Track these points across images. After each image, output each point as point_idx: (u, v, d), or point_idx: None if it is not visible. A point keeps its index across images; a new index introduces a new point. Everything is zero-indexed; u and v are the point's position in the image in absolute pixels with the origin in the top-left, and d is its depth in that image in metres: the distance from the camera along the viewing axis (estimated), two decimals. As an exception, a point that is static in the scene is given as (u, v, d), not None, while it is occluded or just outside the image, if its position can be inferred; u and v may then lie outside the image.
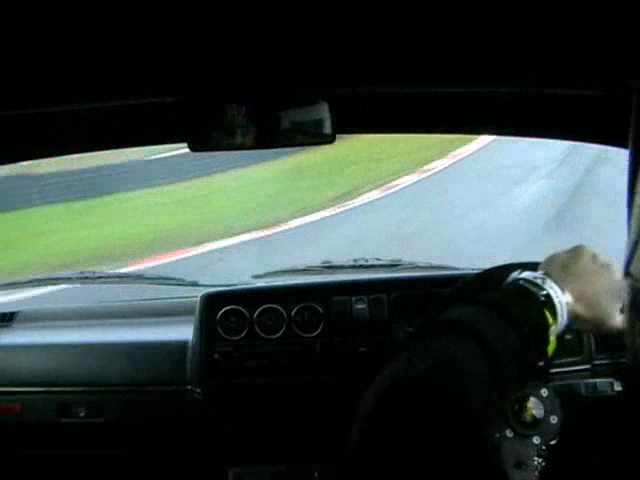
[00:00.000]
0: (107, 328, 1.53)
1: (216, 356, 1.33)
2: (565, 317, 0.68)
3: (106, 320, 1.57)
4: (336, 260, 1.71)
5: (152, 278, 1.86)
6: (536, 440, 0.87)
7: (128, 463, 1.45)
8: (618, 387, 0.95)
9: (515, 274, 0.71)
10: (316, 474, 1.40)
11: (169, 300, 1.73)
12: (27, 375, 1.40)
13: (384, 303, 1.34)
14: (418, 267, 1.64)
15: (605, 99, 0.86)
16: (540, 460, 0.86)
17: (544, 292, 0.67)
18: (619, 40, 0.70)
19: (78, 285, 1.78)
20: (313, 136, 0.90)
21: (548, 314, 0.66)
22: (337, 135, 0.90)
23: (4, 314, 1.59)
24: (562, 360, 1.24)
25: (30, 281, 1.67)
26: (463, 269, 1.62)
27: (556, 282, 0.69)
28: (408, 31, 0.75)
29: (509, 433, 0.87)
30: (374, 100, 1.03)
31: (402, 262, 1.67)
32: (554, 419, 0.88)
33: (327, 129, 0.89)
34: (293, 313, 1.36)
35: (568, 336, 1.26)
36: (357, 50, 0.81)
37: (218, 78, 0.83)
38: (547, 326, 0.66)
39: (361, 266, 1.68)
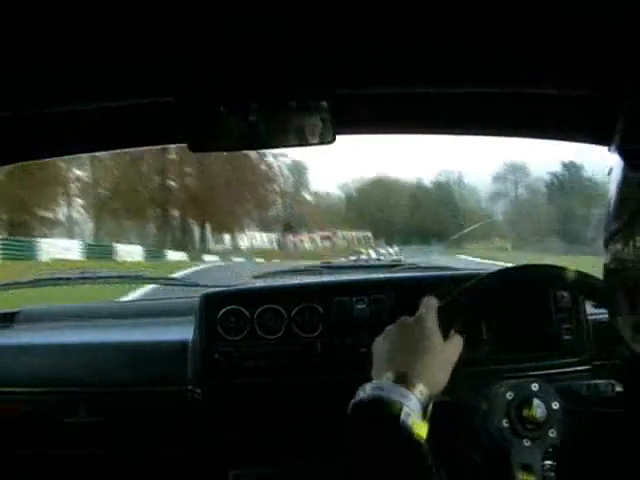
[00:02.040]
0: (107, 328, 1.53)
1: (216, 356, 1.33)
2: (410, 398, 0.70)
3: (106, 320, 1.57)
4: (336, 260, 1.71)
5: (152, 278, 1.86)
6: (526, 443, 0.87)
7: (128, 463, 1.45)
8: (619, 388, 0.95)
9: (362, 392, 0.74)
10: (316, 474, 1.39)
11: (169, 300, 1.73)
12: (28, 375, 1.40)
13: (384, 303, 1.34)
14: (418, 267, 1.64)
15: (604, 100, 0.86)
16: (551, 462, 0.86)
17: (372, 399, 0.71)
18: (617, 41, 0.70)
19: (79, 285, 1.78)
20: (314, 137, 0.90)
21: (392, 408, 0.69)
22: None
23: (5, 314, 1.59)
24: (562, 360, 1.24)
25: (31, 281, 1.67)
26: (463, 269, 1.62)
27: (390, 371, 0.74)
28: (408, 31, 0.75)
29: (505, 423, 0.87)
30: (374, 100, 1.03)
31: (402, 262, 1.67)
32: (552, 433, 0.88)
33: (327, 130, 0.89)
34: (293, 313, 1.35)
35: (568, 337, 1.26)
36: (357, 50, 0.80)
37: (218, 78, 0.83)
38: (397, 423, 0.68)
39: (361, 266, 1.69)
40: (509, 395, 0.89)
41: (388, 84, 0.94)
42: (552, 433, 0.87)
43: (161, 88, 0.91)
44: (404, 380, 0.72)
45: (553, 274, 0.87)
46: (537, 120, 1.06)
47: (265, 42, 0.75)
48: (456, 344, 0.82)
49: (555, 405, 0.89)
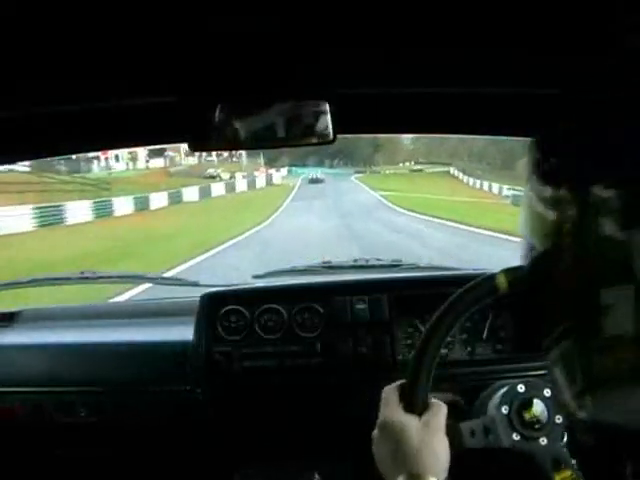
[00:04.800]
0: (107, 328, 1.53)
1: (216, 356, 1.33)
2: None
3: (106, 320, 1.57)
4: (336, 260, 1.71)
5: (152, 278, 1.86)
6: (543, 441, 0.86)
7: (128, 463, 1.45)
8: None
9: None
10: (316, 474, 1.40)
11: (169, 300, 1.73)
12: (28, 375, 1.40)
13: (384, 303, 1.34)
14: (418, 267, 1.64)
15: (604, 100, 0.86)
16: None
17: None
18: (618, 40, 0.70)
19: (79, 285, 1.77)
20: (314, 136, 0.90)
21: None
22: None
23: (5, 314, 1.59)
24: None
25: (30, 281, 1.67)
26: (464, 269, 1.62)
27: None
28: (408, 31, 0.75)
29: (515, 437, 0.87)
30: (374, 100, 1.03)
31: (402, 262, 1.67)
32: (559, 419, 0.87)
33: (328, 129, 0.89)
34: (293, 313, 1.36)
35: None
36: (358, 50, 0.80)
37: (218, 78, 0.83)
38: None
39: (361, 266, 1.69)
40: (504, 410, 0.89)
41: (388, 84, 0.94)
42: (559, 419, 0.87)
43: (161, 88, 0.91)
44: None
45: (488, 287, 0.84)
46: (538, 121, 1.06)
47: (266, 43, 0.75)
48: (436, 411, 0.79)
49: (547, 392, 0.89)
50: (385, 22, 0.72)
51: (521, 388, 0.90)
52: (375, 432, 0.80)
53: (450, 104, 1.03)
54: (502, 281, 0.81)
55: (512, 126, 1.10)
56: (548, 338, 0.48)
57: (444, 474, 0.74)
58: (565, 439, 0.87)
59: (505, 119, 1.08)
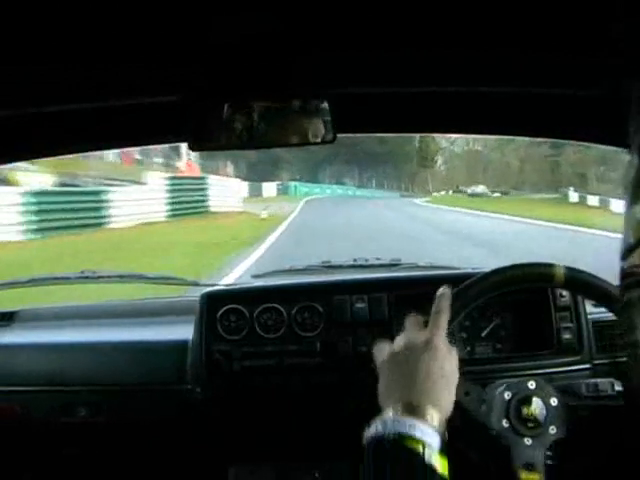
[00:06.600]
0: (107, 328, 1.53)
1: (216, 355, 1.33)
2: (431, 434, 0.68)
3: (106, 320, 1.57)
4: (336, 260, 1.71)
5: (152, 278, 1.85)
6: (527, 441, 0.86)
7: (128, 463, 1.45)
8: (618, 387, 0.95)
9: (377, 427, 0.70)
10: (316, 473, 1.40)
11: (169, 300, 1.73)
12: (27, 375, 1.39)
13: (384, 303, 1.34)
14: (418, 267, 1.64)
15: (605, 99, 0.86)
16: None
17: (394, 436, 0.68)
18: (618, 40, 0.70)
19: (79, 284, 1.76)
20: (314, 136, 0.90)
21: (415, 446, 0.66)
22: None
23: (4, 314, 1.59)
24: (562, 359, 1.24)
25: (29, 280, 1.67)
26: (463, 269, 1.62)
27: (403, 411, 0.70)
28: (408, 31, 0.75)
29: (505, 423, 0.87)
30: (374, 100, 1.03)
31: (402, 262, 1.67)
32: (553, 429, 0.87)
33: (328, 129, 0.89)
34: (293, 313, 1.36)
35: (568, 336, 1.27)
36: (357, 50, 0.81)
37: (220, 78, 0.83)
38: (422, 463, 0.66)
39: (361, 266, 1.69)
40: (507, 395, 0.89)
41: (388, 84, 0.94)
42: (552, 430, 0.87)
43: (161, 88, 0.91)
44: (419, 411, 0.70)
45: (545, 273, 0.86)
46: (539, 120, 1.07)
47: (266, 42, 0.75)
48: (455, 357, 0.79)
49: (554, 402, 0.89)
50: (385, 22, 0.72)
51: (532, 385, 0.90)
52: (405, 346, 0.77)
53: (450, 103, 1.03)
54: (560, 274, 0.83)
55: (514, 126, 1.10)
56: (628, 280, 0.47)
57: (448, 413, 0.73)
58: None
59: (505, 119, 1.08)
